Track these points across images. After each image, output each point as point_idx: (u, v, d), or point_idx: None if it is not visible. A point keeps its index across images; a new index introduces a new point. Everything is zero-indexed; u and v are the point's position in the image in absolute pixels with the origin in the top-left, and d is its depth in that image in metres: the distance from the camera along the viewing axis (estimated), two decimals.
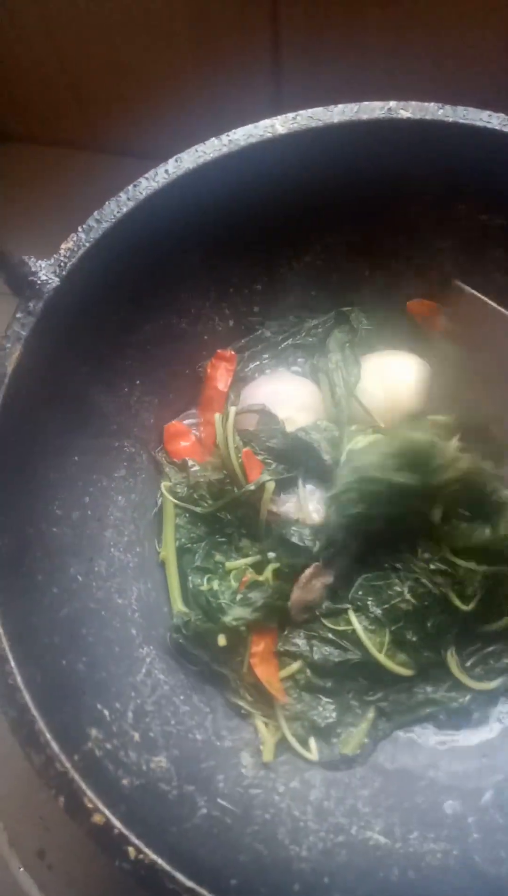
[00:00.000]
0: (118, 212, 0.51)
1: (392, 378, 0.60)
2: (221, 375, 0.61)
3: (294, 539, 0.53)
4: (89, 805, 0.39)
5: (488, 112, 0.54)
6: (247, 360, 0.64)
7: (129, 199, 0.52)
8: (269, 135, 0.54)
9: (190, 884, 0.37)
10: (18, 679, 0.41)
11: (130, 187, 0.52)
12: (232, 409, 0.58)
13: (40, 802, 0.59)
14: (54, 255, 0.50)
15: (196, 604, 0.54)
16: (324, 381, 0.60)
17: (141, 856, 0.38)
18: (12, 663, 0.42)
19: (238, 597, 0.53)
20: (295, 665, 0.54)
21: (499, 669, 0.54)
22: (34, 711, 0.41)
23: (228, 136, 0.54)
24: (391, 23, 0.73)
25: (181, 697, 0.52)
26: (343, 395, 0.58)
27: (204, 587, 0.54)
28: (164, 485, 0.58)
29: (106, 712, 0.45)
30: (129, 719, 0.47)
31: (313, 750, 0.52)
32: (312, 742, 0.52)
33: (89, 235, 0.51)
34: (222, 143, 0.54)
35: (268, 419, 0.57)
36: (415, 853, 0.46)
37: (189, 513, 0.58)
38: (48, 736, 0.40)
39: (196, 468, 0.58)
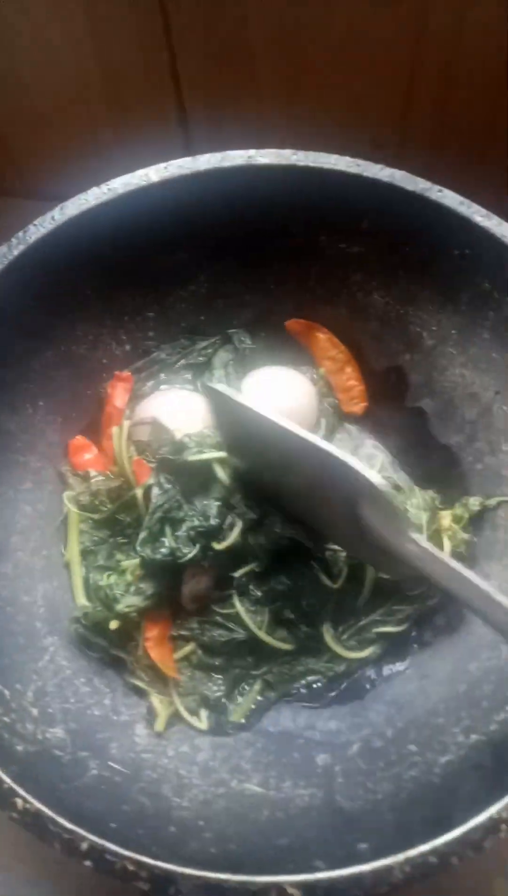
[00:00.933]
0: (10, 255, 0.58)
1: (273, 388, 0.68)
2: (119, 394, 0.68)
3: None
4: None
5: (335, 156, 0.63)
6: (144, 379, 0.71)
7: (19, 242, 0.59)
8: (144, 182, 0.62)
9: (70, 826, 0.43)
10: None
11: (21, 233, 0.60)
12: (126, 423, 0.65)
13: None
14: None
15: (96, 597, 0.60)
16: None
17: (27, 805, 0.44)
18: None
19: (132, 588, 0.59)
20: (188, 647, 0.61)
21: (370, 640, 0.61)
22: None
23: (107, 185, 0.62)
24: (281, 77, 0.82)
25: (82, 680, 0.58)
26: None
27: (103, 583, 0.61)
28: (66, 494, 0.65)
29: (6, 692, 0.51)
30: (28, 698, 0.52)
31: (204, 720, 0.58)
32: (202, 713, 0.59)
33: None
34: (102, 191, 0.62)
35: (159, 429, 0.65)
36: (285, 798, 0.52)
37: (92, 519, 0.64)
38: None
39: (98, 478, 0.65)
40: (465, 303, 0.62)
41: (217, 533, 0.59)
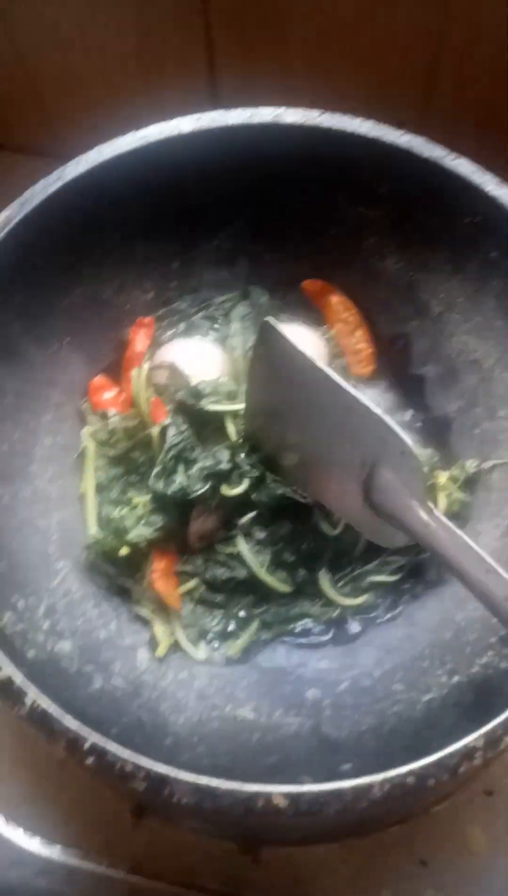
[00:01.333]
0: (49, 189, 0.60)
1: None
2: (140, 339, 0.71)
3: None
4: None
5: (360, 119, 0.64)
6: (165, 328, 0.73)
7: (57, 178, 0.61)
8: (176, 132, 0.64)
9: (75, 725, 0.46)
10: None
11: (59, 170, 0.62)
12: (146, 365, 0.67)
13: None
14: None
15: (108, 528, 0.63)
16: (228, 345, 0.70)
17: (36, 704, 0.47)
18: None
19: (142, 520, 0.62)
20: (192, 582, 0.64)
21: (364, 588, 0.64)
22: None
23: (142, 131, 0.64)
24: (311, 43, 0.83)
25: (91, 603, 0.60)
26: (240, 356, 0.68)
27: (115, 515, 0.63)
28: (85, 429, 0.67)
29: (21, 603, 0.54)
30: (40, 612, 0.55)
31: (202, 651, 0.62)
32: (202, 644, 0.62)
33: (23, 207, 0.60)
34: (137, 137, 0.63)
35: (176, 374, 0.67)
36: (275, 724, 0.55)
37: (107, 455, 0.67)
38: None
39: (116, 417, 0.68)
40: (473, 270, 0.64)
41: (227, 477, 0.62)
